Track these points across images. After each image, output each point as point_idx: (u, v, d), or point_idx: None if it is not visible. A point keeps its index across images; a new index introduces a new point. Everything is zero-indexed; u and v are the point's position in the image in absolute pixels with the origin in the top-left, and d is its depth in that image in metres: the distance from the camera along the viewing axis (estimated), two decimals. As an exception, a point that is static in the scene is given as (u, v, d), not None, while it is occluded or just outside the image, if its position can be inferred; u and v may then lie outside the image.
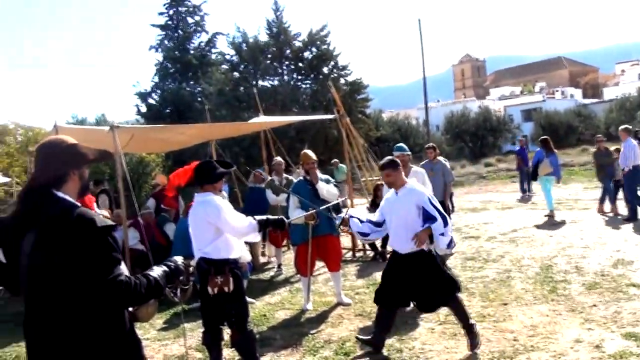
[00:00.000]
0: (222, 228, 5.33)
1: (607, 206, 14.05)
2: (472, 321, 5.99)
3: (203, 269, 5.41)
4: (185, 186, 5.71)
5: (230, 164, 5.79)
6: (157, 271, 3.02)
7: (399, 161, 6.13)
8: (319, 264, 9.09)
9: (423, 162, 11.58)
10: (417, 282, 5.83)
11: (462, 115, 49.64)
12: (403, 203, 5.87)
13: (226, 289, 5.37)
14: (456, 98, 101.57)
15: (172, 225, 9.83)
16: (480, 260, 10.11)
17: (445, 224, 5.65)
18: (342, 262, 8.84)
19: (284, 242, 12.06)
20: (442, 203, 10.97)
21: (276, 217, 5.66)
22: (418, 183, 6.13)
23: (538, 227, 12.94)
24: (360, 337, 6.27)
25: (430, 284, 5.81)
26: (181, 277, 3.25)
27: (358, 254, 11.70)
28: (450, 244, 5.77)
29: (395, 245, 6.06)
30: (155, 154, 22.41)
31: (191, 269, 3.34)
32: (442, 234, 5.65)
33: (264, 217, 5.53)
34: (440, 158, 11.52)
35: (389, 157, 6.28)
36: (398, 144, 8.70)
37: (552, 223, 13.18)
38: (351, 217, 6.20)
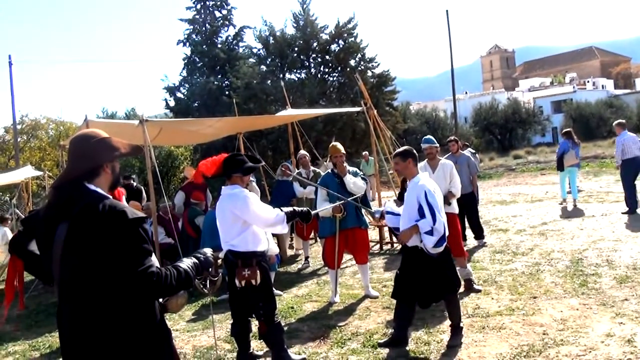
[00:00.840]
0: (249, 220, 5.37)
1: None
2: (462, 323, 6.06)
3: (230, 262, 5.46)
4: (213, 177, 5.73)
5: (259, 160, 5.81)
6: (186, 263, 3.06)
7: (412, 152, 6.03)
8: (346, 256, 9.11)
9: (446, 156, 11.51)
10: (419, 276, 5.83)
11: (490, 107, 49.25)
12: (408, 196, 5.88)
13: (253, 281, 5.41)
14: (484, 90, 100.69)
15: (203, 217, 9.90)
16: (509, 253, 10.03)
17: (434, 221, 5.56)
18: (369, 254, 8.84)
19: (311, 235, 12.10)
20: (472, 195, 10.97)
21: (303, 208, 5.69)
22: (428, 177, 6.05)
23: (569, 220, 12.78)
24: (381, 342, 6.22)
25: (429, 280, 5.80)
26: (210, 269, 3.29)
27: (385, 247, 11.70)
28: (439, 243, 5.65)
29: (409, 242, 6.05)
30: (183, 148, 22.65)
31: (219, 261, 3.37)
32: (429, 233, 5.60)
33: (290, 208, 5.57)
34: (467, 151, 11.43)
35: (404, 147, 6.27)
36: (426, 136, 8.67)
37: (571, 214, 13.02)
38: (387, 212, 6.18)
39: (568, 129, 15.29)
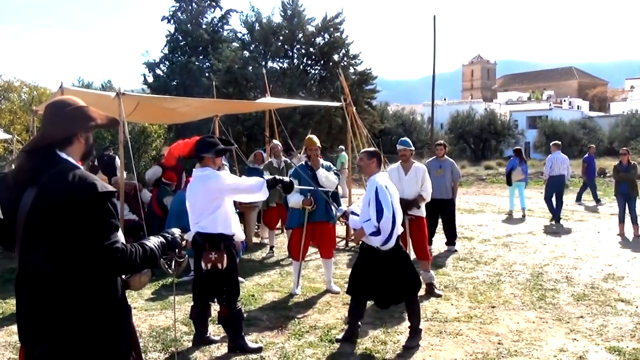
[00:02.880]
0: (228, 192, 5.40)
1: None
2: (421, 326, 6.13)
3: (198, 244, 5.44)
4: (185, 158, 5.74)
5: (231, 142, 5.83)
6: (153, 241, 3.02)
7: (379, 155, 6.21)
8: (311, 249, 9.11)
9: (431, 159, 11.59)
10: (378, 277, 5.87)
11: (467, 116, 49.65)
12: (365, 195, 5.97)
13: (220, 265, 5.40)
14: (463, 98, 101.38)
15: (171, 198, 9.83)
16: (472, 261, 10.13)
17: (379, 219, 5.62)
18: (334, 250, 8.86)
19: (278, 225, 12.08)
20: (451, 201, 11.11)
21: (285, 178, 5.72)
22: (387, 179, 6.11)
23: (532, 234, 12.96)
24: (338, 337, 6.25)
25: (388, 280, 5.84)
26: (177, 250, 3.26)
27: (351, 244, 11.73)
28: (387, 242, 5.70)
29: (366, 240, 6.10)
30: (157, 125, 22.38)
31: (184, 242, 3.33)
32: (374, 234, 5.69)
33: (272, 177, 5.61)
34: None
35: (373, 149, 6.52)
36: (403, 138, 8.68)
37: (535, 229, 13.21)
38: (352, 212, 6.19)
39: (518, 147, 17.04)
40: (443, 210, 11.05)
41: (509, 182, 16.01)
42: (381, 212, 5.62)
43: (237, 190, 5.42)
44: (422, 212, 8.17)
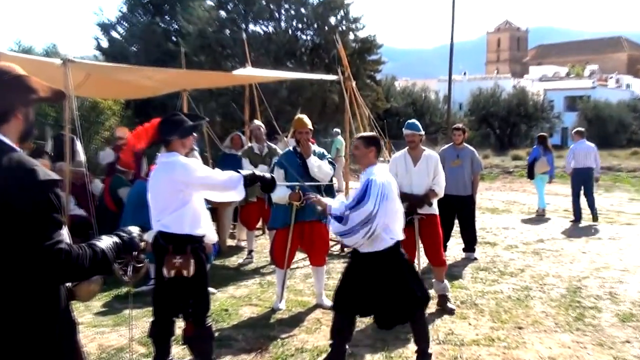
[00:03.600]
0: (195, 187, 5.38)
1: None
2: (430, 349, 6.13)
3: (160, 246, 5.42)
4: (147, 147, 5.70)
5: (201, 116, 5.82)
6: (106, 242, 2.99)
7: (378, 142, 6.18)
8: (299, 255, 9.12)
9: (446, 147, 11.60)
10: (374, 289, 5.87)
11: (492, 95, 49.78)
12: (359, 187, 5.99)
13: (185, 272, 5.38)
14: (487, 73, 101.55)
15: (128, 189, 9.82)
16: (495, 272, 10.18)
17: (355, 208, 5.64)
18: (327, 256, 8.87)
19: (259, 225, 12.09)
20: (471, 198, 11.14)
21: (266, 174, 5.67)
22: (387, 173, 6.11)
23: (570, 239, 13.02)
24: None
25: (390, 293, 5.82)
26: (135, 253, 3.25)
27: (347, 249, 11.74)
28: (345, 237, 5.74)
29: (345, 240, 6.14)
30: (112, 101, 22.28)
31: (143, 244, 3.32)
32: (336, 218, 5.76)
33: (249, 171, 5.57)
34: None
35: (370, 133, 6.56)
36: (410, 120, 8.64)
37: (573, 233, 13.27)
38: (333, 215, 6.10)
39: (542, 134, 17.44)
40: (460, 209, 11.09)
41: (530, 175, 16.51)
42: (361, 202, 5.64)
43: (207, 186, 5.39)
44: (435, 208, 8.20)
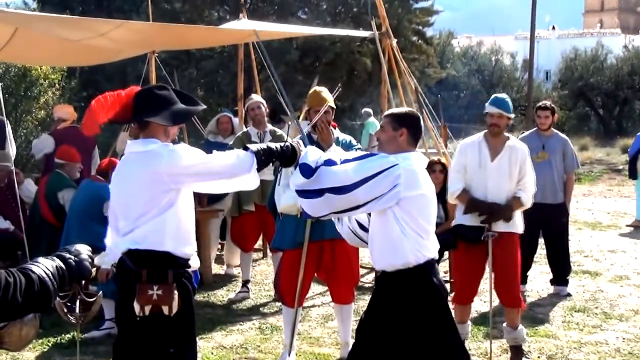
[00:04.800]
0: (187, 178, 5.38)
1: None
2: None
3: (127, 271, 5.37)
4: (112, 122, 5.63)
5: (196, 100, 5.73)
6: (44, 267, 3.00)
7: (415, 120, 5.97)
8: (316, 287, 9.13)
9: (527, 134, 11.60)
10: (393, 341, 5.81)
11: (593, 59, 49.38)
12: None
13: (166, 309, 5.30)
14: (586, 27, 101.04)
15: (72, 191, 9.85)
16: (598, 314, 10.13)
17: (328, 163, 5.46)
18: (357, 289, 8.87)
19: (258, 244, 12.09)
20: (562, 207, 11.05)
21: (282, 144, 5.59)
22: (421, 160, 5.96)
23: None
24: None
25: (414, 350, 5.77)
26: (84, 282, 3.26)
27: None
28: (305, 198, 5.51)
29: (372, 257, 6.06)
30: (49, 68, 22.39)
31: (94, 270, 3.33)
32: (304, 169, 5.45)
33: (263, 145, 5.53)
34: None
35: (406, 109, 6.43)
36: (497, 95, 8.57)
37: None
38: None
39: None
40: (547, 223, 11.02)
41: (632, 174, 17.04)
42: (344, 162, 5.57)
43: (205, 175, 5.36)
44: (516, 224, 8.20)
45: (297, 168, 5.48)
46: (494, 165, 8.17)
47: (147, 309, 5.24)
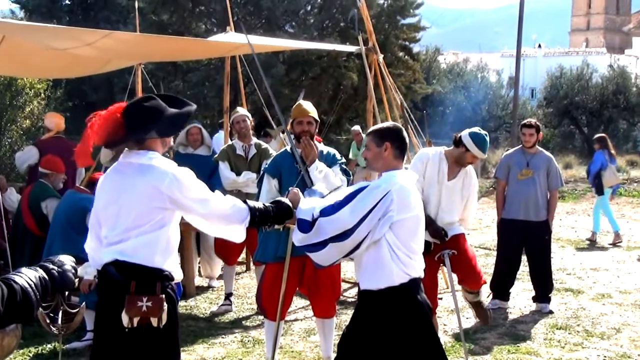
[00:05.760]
0: (185, 209, 5.37)
1: None
2: None
3: (113, 282, 5.32)
4: (107, 145, 5.54)
5: (185, 101, 5.64)
6: (27, 277, 3.00)
7: (397, 134, 5.96)
8: (299, 301, 9.13)
9: (512, 151, 11.68)
10: (379, 355, 5.83)
11: (578, 78, 49.51)
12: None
13: (155, 321, 5.25)
14: (572, 45, 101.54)
15: (56, 201, 9.84)
16: (580, 332, 10.15)
17: (327, 212, 5.53)
18: (339, 304, 8.88)
19: (241, 257, 12.07)
20: (545, 227, 11.13)
21: (282, 201, 5.71)
22: (413, 184, 5.97)
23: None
24: None
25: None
26: (66, 293, 3.26)
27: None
28: (311, 251, 5.66)
29: (357, 275, 6.10)
30: (35, 79, 22.34)
31: (77, 281, 3.33)
32: (302, 224, 5.62)
33: (260, 203, 5.58)
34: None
35: (386, 124, 6.39)
36: (480, 133, 8.58)
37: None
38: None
39: (601, 135, 18.77)
40: (531, 241, 11.06)
41: (599, 191, 17.50)
42: (339, 207, 5.55)
43: (199, 212, 5.36)
44: (460, 229, 8.53)
45: (298, 223, 5.62)
46: (450, 184, 8.33)
47: (136, 320, 5.20)
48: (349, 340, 5.94)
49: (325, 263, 5.80)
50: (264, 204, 5.58)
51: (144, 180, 5.26)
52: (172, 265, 5.49)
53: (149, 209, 5.28)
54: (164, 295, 5.30)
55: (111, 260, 5.29)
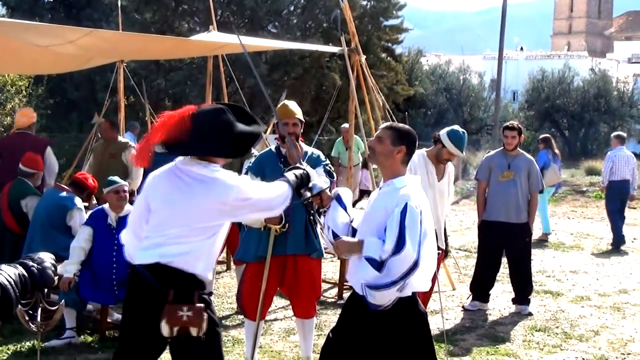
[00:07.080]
0: (244, 211, 5.43)
1: None
2: None
3: (150, 286, 5.27)
4: (172, 151, 5.29)
5: (254, 118, 5.62)
6: (7, 273, 2.99)
7: (413, 139, 5.92)
8: (279, 301, 9.11)
9: (493, 153, 11.68)
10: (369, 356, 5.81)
11: (560, 81, 49.66)
12: (376, 202, 5.86)
13: (195, 330, 5.20)
14: (554, 49, 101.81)
15: (36, 199, 9.79)
16: (558, 334, 10.18)
17: (395, 251, 5.39)
18: (319, 304, 8.87)
19: (221, 256, 12.05)
20: (526, 229, 11.15)
21: (302, 169, 5.77)
22: (421, 191, 5.89)
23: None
24: None
25: None
26: (45, 291, 3.24)
27: (347, 293, 11.75)
28: (382, 290, 5.46)
29: (350, 278, 6.04)
30: (16, 75, 22.27)
31: (56, 279, 3.32)
32: (371, 262, 5.46)
33: (292, 174, 5.63)
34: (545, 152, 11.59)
35: (406, 127, 6.20)
36: (458, 130, 8.61)
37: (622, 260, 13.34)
38: (337, 198, 6.08)
39: (546, 135, 19.52)
40: (511, 243, 11.06)
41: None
42: (402, 243, 5.38)
43: (258, 208, 5.44)
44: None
45: (367, 262, 5.46)
46: (441, 185, 8.33)
47: (176, 329, 5.16)
48: (338, 346, 5.92)
49: (384, 303, 5.52)
50: (294, 173, 5.67)
51: (208, 194, 5.23)
52: (210, 274, 5.52)
53: (209, 223, 5.31)
54: (203, 305, 5.27)
55: (151, 262, 5.25)
